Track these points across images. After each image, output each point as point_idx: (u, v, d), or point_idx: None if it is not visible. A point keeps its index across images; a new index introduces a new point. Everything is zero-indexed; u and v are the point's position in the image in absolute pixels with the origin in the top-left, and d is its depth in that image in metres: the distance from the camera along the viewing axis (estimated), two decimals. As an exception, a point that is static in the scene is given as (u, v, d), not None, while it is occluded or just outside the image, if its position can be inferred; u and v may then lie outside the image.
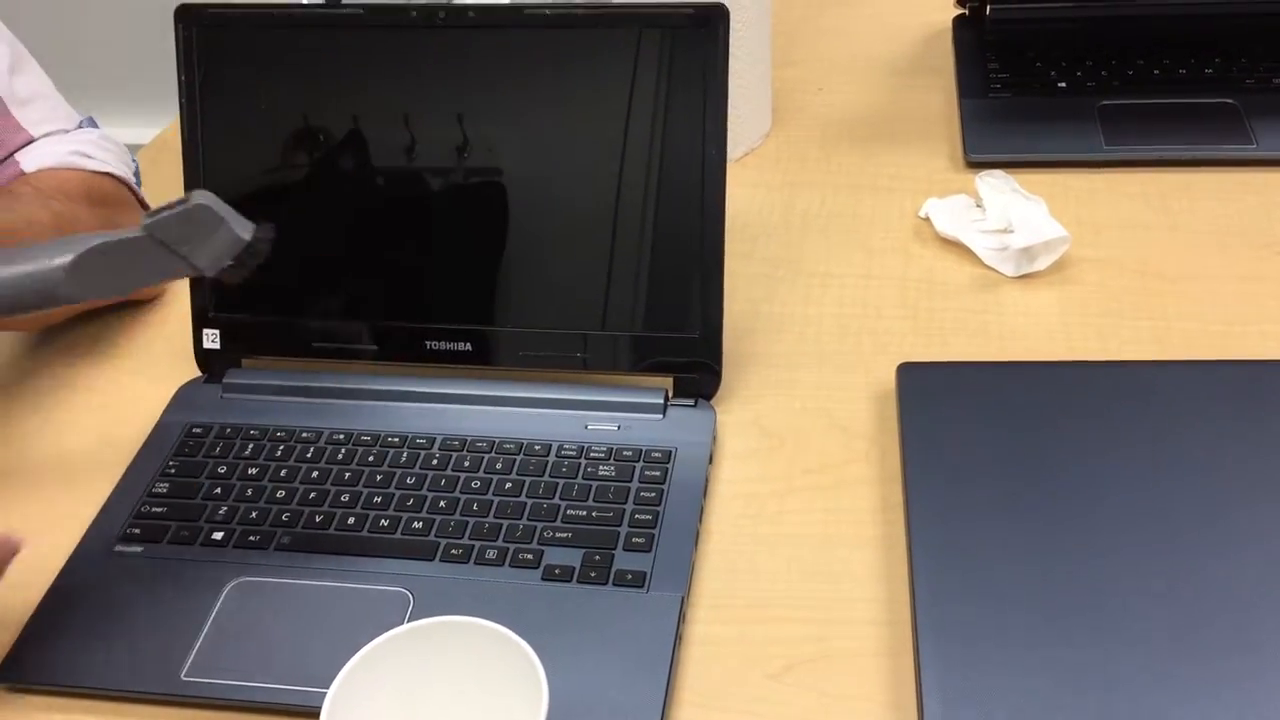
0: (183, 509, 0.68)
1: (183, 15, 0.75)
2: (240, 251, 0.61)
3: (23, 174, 0.81)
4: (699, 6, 0.70)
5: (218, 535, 0.67)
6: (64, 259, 0.58)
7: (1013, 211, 0.82)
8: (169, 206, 0.60)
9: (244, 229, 0.61)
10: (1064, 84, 0.96)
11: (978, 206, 0.85)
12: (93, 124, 0.89)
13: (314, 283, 0.76)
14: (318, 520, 0.67)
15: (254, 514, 0.67)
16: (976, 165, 0.90)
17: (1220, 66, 0.95)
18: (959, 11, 1.06)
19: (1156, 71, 0.95)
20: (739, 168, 0.94)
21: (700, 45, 0.70)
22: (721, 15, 0.70)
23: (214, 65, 0.75)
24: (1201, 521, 0.61)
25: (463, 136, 0.73)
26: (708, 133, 0.71)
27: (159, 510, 0.68)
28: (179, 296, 0.78)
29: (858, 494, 0.67)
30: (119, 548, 0.67)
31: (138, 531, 0.67)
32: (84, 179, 0.82)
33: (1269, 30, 0.97)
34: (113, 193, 0.84)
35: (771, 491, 0.68)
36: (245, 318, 0.77)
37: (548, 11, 0.73)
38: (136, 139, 1.19)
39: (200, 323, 0.77)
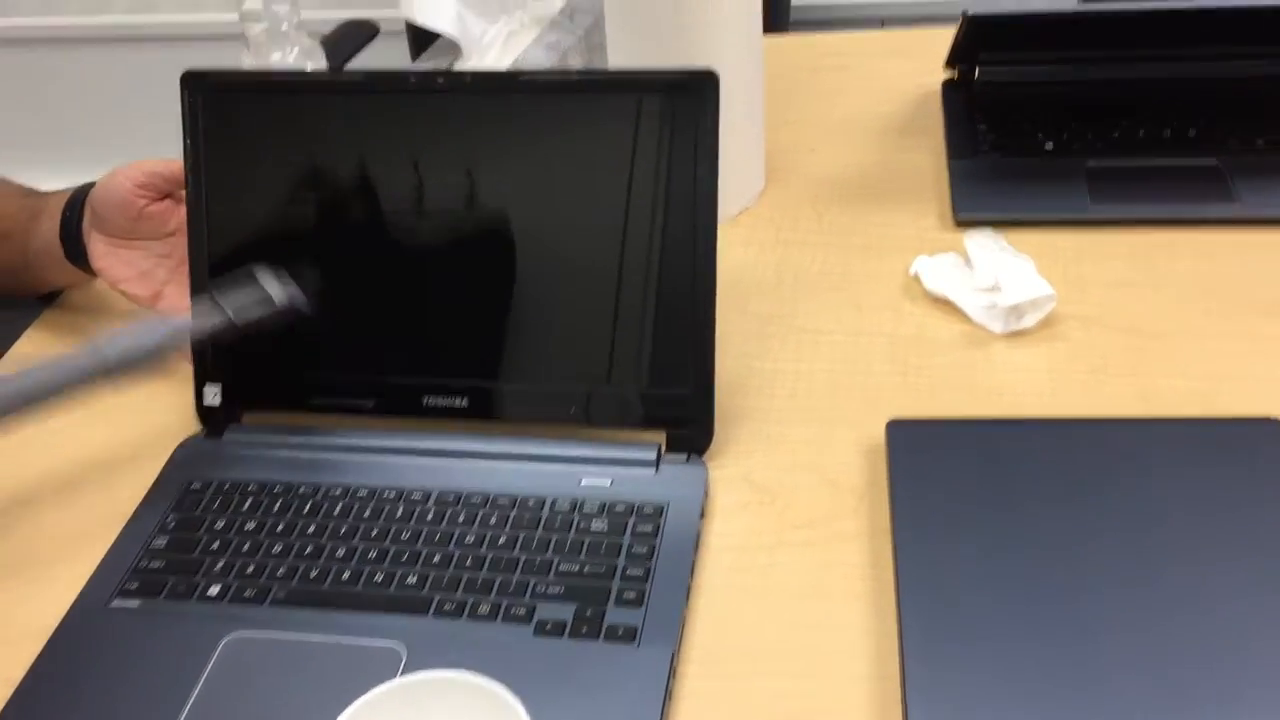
0: (180, 564, 0.69)
1: (189, 81, 0.77)
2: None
3: None
4: (690, 74, 0.72)
5: (214, 590, 0.67)
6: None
7: (1001, 270, 0.83)
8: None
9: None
10: (1051, 145, 0.97)
11: (967, 265, 0.86)
12: None
13: (313, 341, 0.77)
14: (313, 575, 0.68)
15: (250, 568, 0.68)
16: (965, 224, 0.91)
17: (1203, 129, 0.96)
18: (948, 75, 1.08)
19: (1141, 133, 0.97)
20: (733, 226, 0.95)
21: (692, 112, 0.72)
22: (711, 82, 0.71)
23: (218, 130, 0.77)
24: (1185, 577, 0.61)
25: (463, 198, 0.75)
26: (699, 194, 0.72)
27: (157, 565, 0.69)
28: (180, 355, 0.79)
29: (847, 549, 0.68)
30: (116, 602, 0.67)
31: (135, 586, 0.68)
32: None
33: (1251, 94, 0.99)
34: None
35: (762, 546, 0.69)
36: (245, 374, 0.78)
37: (542, 78, 0.75)
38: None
39: (201, 379, 0.78)
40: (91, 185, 0.83)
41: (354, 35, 1.51)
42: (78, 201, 0.84)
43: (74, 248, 0.84)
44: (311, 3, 1.93)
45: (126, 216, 0.81)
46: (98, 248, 0.83)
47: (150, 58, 1.87)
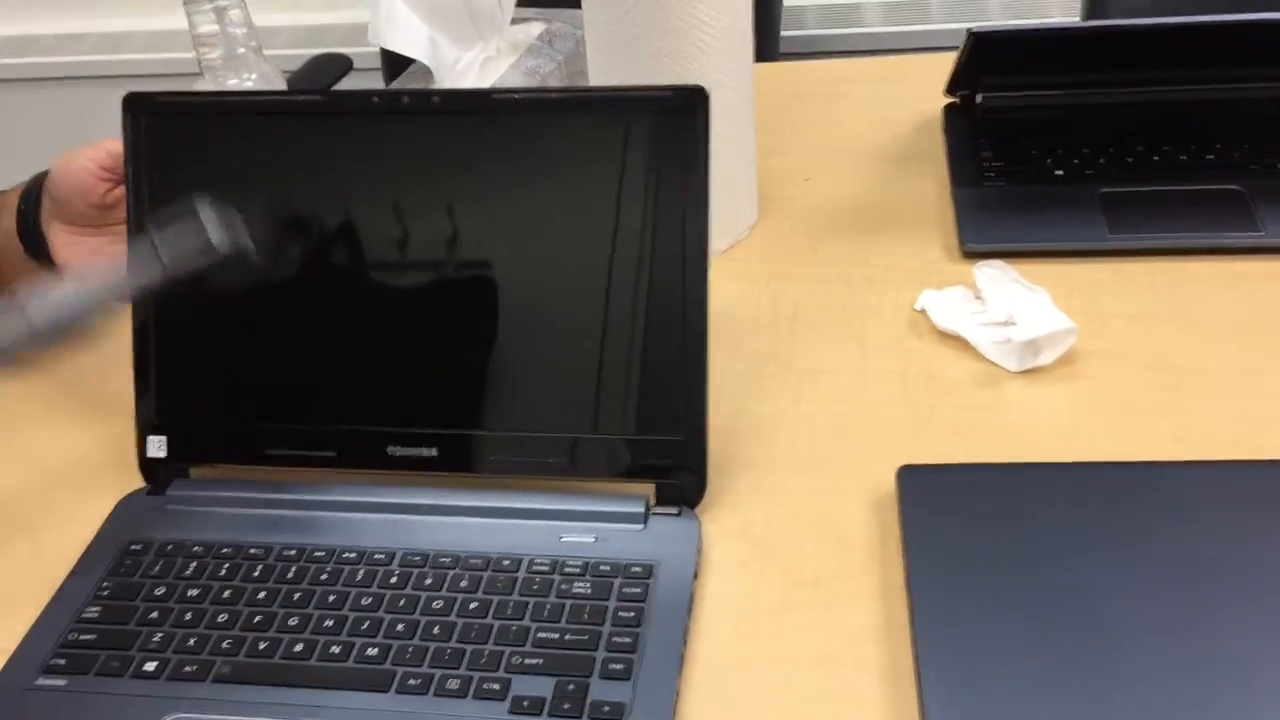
0: (114, 636, 0.62)
1: (131, 104, 0.71)
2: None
3: None
4: (677, 90, 0.66)
5: (150, 666, 0.61)
6: None
7: (1015, 303, 0.78)
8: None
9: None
10: (1061, 171, 0.92)
11: (977, 298, 0.81)
12: None
13: (267, 385, 0.71)
14: (262, 648, 0.61)
15: (192, 641, 0.62)
16: (974, 255, 0.86)
17: (1221, 152, 0.92)
18: (949, 100, 1.03)
19: (1157, 158, 0.92)
20: (724, 260, 0.90)
21: (680, 131, 0.66)
22: (701, 99, 0.66)
23: (164, 155, 0.71)
24: (1229, 634, 0.57)
25: (433, 228, 0.69)
26: (689, 224, 0.67)
27: (88, 638, 0.62)
28: (123, 401, 0.73)
29: (858, 610, 0.62)
30: (40, 681, 0.61)
31: (63, 663, 0.61)
32: None
33: (1271, 115, 0.95)
34: None
35: (763, 609, 0.63)
36: (194, 424, 0.72)
37: (517, 97, 0.69)
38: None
39: (145, 429, 0.72)
40: (47, 173, 0.76)
41: (326, 70, 1.46)
42: (33, 192, 0.77)
43: (33, 242, 0.77)
44: (283, 41, 1.90)
45: (89, 203, 0.75)
46: (59, 238, 0.76)
47: (118, 96, 1.82)
